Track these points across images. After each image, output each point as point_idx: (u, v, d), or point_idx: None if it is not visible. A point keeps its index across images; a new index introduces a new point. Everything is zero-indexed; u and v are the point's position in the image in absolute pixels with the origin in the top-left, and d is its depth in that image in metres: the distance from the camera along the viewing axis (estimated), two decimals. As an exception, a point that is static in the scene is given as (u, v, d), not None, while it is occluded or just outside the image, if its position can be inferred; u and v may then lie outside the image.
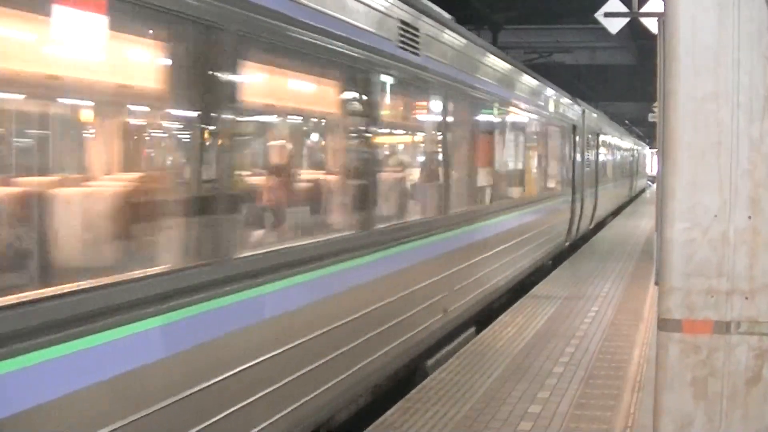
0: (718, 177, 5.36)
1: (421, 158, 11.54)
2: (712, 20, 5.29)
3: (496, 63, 14.47)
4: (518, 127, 16.53)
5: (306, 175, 8.22)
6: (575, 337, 12.49)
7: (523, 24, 32.24)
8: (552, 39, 33.82)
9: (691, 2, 5.30)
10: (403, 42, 9.67)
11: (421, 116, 11.36)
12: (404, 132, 11.18)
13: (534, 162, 18.45)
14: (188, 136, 5.98)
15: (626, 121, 58.75)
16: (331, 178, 8.39)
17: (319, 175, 8.37)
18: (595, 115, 30.57)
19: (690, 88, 5.35)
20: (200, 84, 5.81)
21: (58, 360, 4.58)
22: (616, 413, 8.97)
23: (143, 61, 5.80)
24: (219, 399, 6.02)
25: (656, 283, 5.63)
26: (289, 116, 8.18)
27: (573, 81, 37.27)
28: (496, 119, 14.63)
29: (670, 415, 5.51)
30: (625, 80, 45.17)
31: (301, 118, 8.54)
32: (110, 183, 5.62)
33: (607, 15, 16.79)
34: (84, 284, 4.81)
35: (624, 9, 16.67)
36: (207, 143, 5.91)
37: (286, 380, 6.95)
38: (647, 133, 72.37)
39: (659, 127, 5.57)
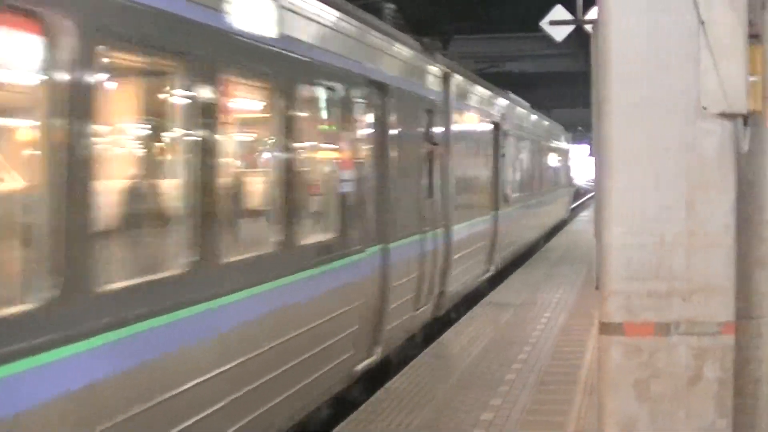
0: (654, 181, 5.42)
1: None
2: (643, 26, 5.36)
3: None
4: None
5: None
6: (528, 344, 12.57)
7: (474, 34, 32.41)
8: (502, 48, 34.00)
9: (622, 8, 5.38)
10: None
11: None
12: None
13: None
14: None
15: (579, 128, 58.68)
16: None
17: None
18: None
19: (624, 93, 5.42)
20: None
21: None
22: (567, 417, 9.05)
23: None
24: None
25: (597, 288, 5.70)
26: None
27: (524, 89, 37.45)
28: None
29: (615, 417, 5.56)
30: (576, 87, 45.45)
31: None
32: None
33: (552, 23, 16.95)
34: None
35: (569, 17, 16.82)
36: None
37: None
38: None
39: (595, 133, 5.65)
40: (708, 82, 5.32)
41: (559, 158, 35.88)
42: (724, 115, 5.35)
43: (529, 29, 30.33)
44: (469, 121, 16.90)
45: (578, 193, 56.22)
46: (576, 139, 57.02)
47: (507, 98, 22.15)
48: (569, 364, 11.27)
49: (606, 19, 5.43)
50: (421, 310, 12.62)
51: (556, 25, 16.98)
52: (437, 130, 13.72)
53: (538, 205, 26.90)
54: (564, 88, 45.33)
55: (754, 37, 5.42)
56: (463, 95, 16.05)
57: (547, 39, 18.67)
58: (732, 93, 5.31)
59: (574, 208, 47.90)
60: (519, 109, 23.93)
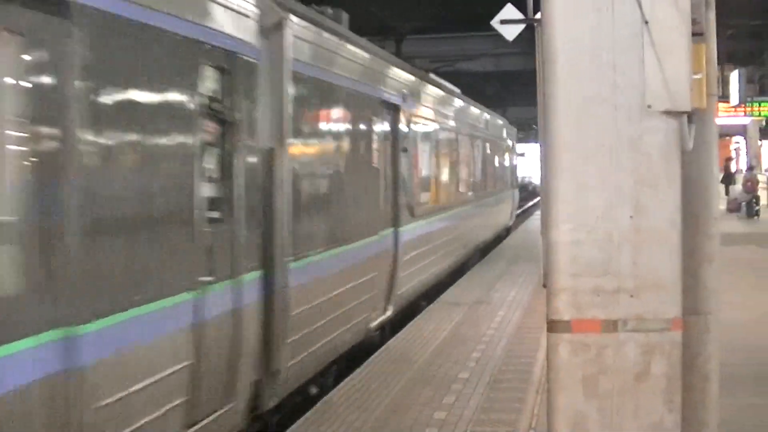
0: (601, 178, 5.46)
1: None
2: (589, 23, 5.38)
3: None
4: None
5: None
6: (482, 342, 12.59)
7: (428, 33, 32.51)
8: (456, 47, 34.11)
9: (567, 6, 5.40)
10: None
11: None
12: None
13: None
14: None
15: (534, 126, 58.92)
16: None
17: None
18: None
19: (570, 91, 5.44)
20: None
21: None
22: (520, 415, 9.07)
23: None
24: None
25: (545, 285, 5.72)
26: None
27: (479, 88, 37.59)
28: None
29: (564, 414, 5.58)
30: (532, 85, 45.64)
31: None
32: None
33: (503, 22, 17.01)
34: None
35: (520, 16, 16.89)
36: None
37: None
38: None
39: (541, 131, 5.67)
40: (652, 80, 5.36)
41: (501, 156, 29.42)
42: (668, 113, 5.40)
43: (483, 28, 30.58)
44: (333, 97, 10.80)
45: (534, 192, 56.25)
46: (532, 137, 57.01)
47: (418, 75, 16.15)
48: (523, 362, 11.30)
49: (550, 16, 5.45)
50: (210, 419, 7.26)
51: (507, 24, 17.04)
52: (245, 103, 7.87)
53: (465, 213, 20.79)
54: (520, 86, 45.58)
55: (697, 35, 5.46)
56: (318, 56, 10.15)
57: (498, 38, 18.81)
58: (676, 91, 5.36)
59: (528, 208, 46.68)
60: (438, 93, 17.80)
